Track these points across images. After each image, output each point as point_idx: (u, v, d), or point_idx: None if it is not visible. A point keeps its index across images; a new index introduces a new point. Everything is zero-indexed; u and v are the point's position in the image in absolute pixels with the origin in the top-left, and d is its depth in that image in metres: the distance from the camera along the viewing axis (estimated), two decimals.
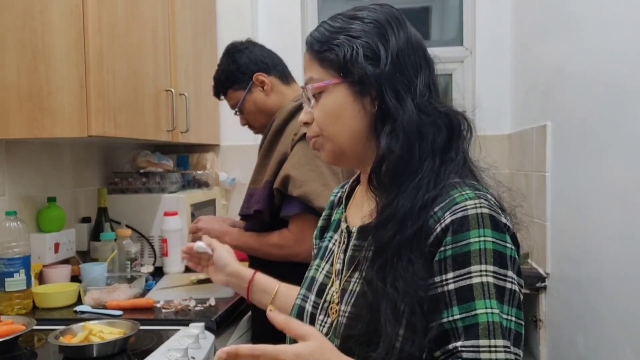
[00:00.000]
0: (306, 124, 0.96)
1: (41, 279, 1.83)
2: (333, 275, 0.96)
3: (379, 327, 0.80)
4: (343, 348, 0.82)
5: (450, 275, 0.79)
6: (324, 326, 0.92)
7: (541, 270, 2.08)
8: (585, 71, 1.69)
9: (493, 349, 0.76)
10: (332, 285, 0.95)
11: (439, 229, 0.81)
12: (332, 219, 1.08)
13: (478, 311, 0.77)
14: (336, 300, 0.92)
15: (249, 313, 1.81)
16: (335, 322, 0.90)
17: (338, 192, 1.12)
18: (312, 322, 0.94)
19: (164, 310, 1.62)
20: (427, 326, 0.79)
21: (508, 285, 0.79)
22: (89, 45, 1.58)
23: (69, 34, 1.57)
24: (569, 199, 1.84)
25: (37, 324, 1.43)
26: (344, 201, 1.06)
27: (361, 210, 0.96)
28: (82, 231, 2.08)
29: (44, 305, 1.68)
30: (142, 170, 2.30)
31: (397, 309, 0.80)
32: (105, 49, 1.65)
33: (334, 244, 1.01)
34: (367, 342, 0.82)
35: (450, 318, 0.78)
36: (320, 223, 1.12)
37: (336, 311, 0.91)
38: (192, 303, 1.65)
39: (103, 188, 2.15)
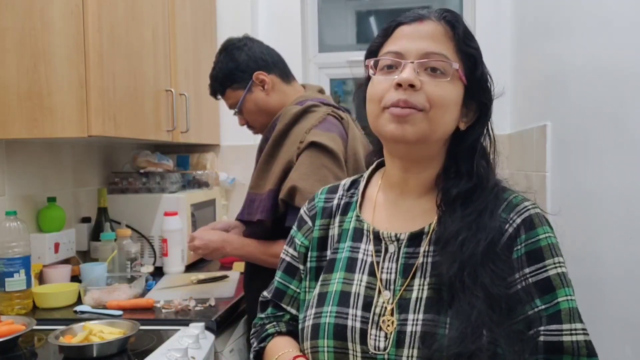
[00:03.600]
0: (411, 86, 0.88)
1: (41, 279, 1.83)
2: (379, 286, 0.91)
3: (472, 331, 0.80)
4: (426, 358, 0.83)
5: (527, 270, 0.86)
6: (378, 340, 0.87)
7: None
8: (585, 71, 1.69)
9: (574, 332, 0.84)
10: (379, 297, 0.90)
11: (511, 230, 0.89)
12: (341, 228, 1.01)
13: (559, 299, 0.85)
14: (389, 312, 0.89)
15: None
16: (393, 334, 0.87)
17: (334, 199, 1.05)
18: (362, 338, 0.88)
19: (164, 310, 1.62)
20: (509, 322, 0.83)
21: (568, 270, 0.89)
22: (89, 45, 1.58)
23: (69, 34, 1.57)
24: (569, 199, 1.83)
25: (37, 324, 1.43)
26: (357, 207, 1.01)
27: (392, 216, 0.96)
28: (82, 231, 2.08)
29: (44, 305, 1.68)
30: (142, 170, 2.30)
31: (493, 310, 0.82)
32: (105, 49, 1.65)
33: (364, 254, 0.95)
34: (456, 347, 0.81)
35: (536, 309, 0.84)
36: (316, 234, 1.03)
37: (392, 322, 0.88)
38: (192, 303, 1.65)
39: (103, 188, 2.15)
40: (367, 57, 0.98)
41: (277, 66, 1.78)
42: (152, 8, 1.99)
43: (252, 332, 1.10)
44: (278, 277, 1.08)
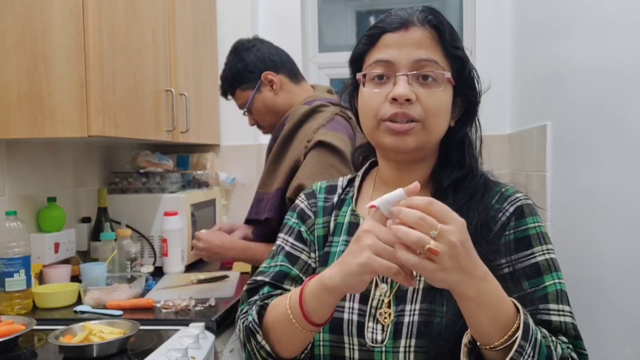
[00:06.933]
0: (408, 100, 0.88)
1: (41, 279, 1.83)
2: (375, 279, 0.91)
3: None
4: (423, 347, 0.84)
5: (515, 256, 0.89)
6: (375, 333, 0.88)
7: None
8: (585, 71, 1.69)
9: (562, 312, 0.86)
10: (376, 290, 0.91)
11: (504, 218, 0.92)
12: (336, 221, 1.01)
13: (547, 283, 0.87)
14: (386, 304, 0.89)
15: None
16: (390, 326, 0.88)
17: (333, 198, 1.05)
18: (360, 331, 0.89)
19: (164, 310, 1.62)
20: None
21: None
22: (89, 45, 1.58)
23: (69, 34, 1.57)
24: (569, 199, 1.83)
25: (37, 324, 1.43)
26: (353, 202, 1.01)
27: None
28: (82, 231, 2.08)
29: (44, 305, 1.68)
30: (142, 170, 2.30)
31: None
32: (105, 49, 1.65)
33: None
34: (452, 334, 0.82)
35: (523, 292, 0.86)
36: (319, 232, 1.02)
37: (389, 315, 0.89)
38: (192, 303, 1.65)
39: (103, 188, 2.15)
40: (352, 63, 0.99)
41: (285, 66, 1.80)
42: (152, 8, 1.99)
43: (240, 313, 0.99)
44: (279, 261, 1.02)
